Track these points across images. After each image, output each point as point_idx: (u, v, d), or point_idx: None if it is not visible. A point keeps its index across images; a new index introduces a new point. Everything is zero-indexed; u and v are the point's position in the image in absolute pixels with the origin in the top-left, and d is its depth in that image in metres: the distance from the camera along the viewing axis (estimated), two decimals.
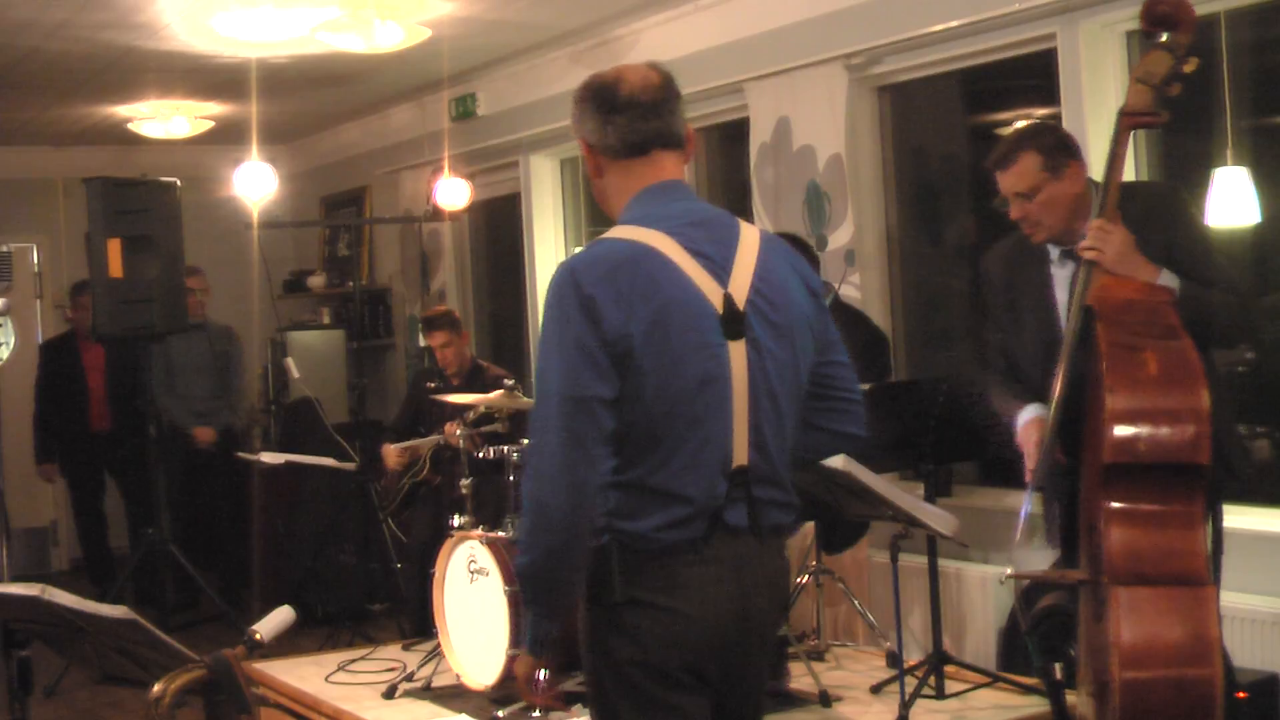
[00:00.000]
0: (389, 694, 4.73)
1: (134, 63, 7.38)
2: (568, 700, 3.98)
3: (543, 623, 2.45)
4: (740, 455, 2.45)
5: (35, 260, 10.25)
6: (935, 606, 4.37)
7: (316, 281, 9.92)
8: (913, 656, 4.67)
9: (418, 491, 6.28)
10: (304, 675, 5.07)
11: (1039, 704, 4.06)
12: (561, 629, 2.47)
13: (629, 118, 2.52)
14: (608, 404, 2.38)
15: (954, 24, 5.41)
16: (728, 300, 2.46)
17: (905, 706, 4.08)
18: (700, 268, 2.46)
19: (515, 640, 4.43)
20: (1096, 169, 3.60)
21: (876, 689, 4.41)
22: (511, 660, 4.41)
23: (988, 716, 4.15)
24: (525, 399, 4.91)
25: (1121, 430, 3.06)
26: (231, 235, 9.00)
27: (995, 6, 5.25)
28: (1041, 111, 5.66)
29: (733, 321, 2.45)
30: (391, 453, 6.26)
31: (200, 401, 8.01)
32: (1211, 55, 4.58)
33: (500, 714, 4.37)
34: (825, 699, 4.31)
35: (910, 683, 4.19)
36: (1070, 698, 3.44)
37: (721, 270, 2.48)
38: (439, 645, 4.81)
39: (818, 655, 4.83)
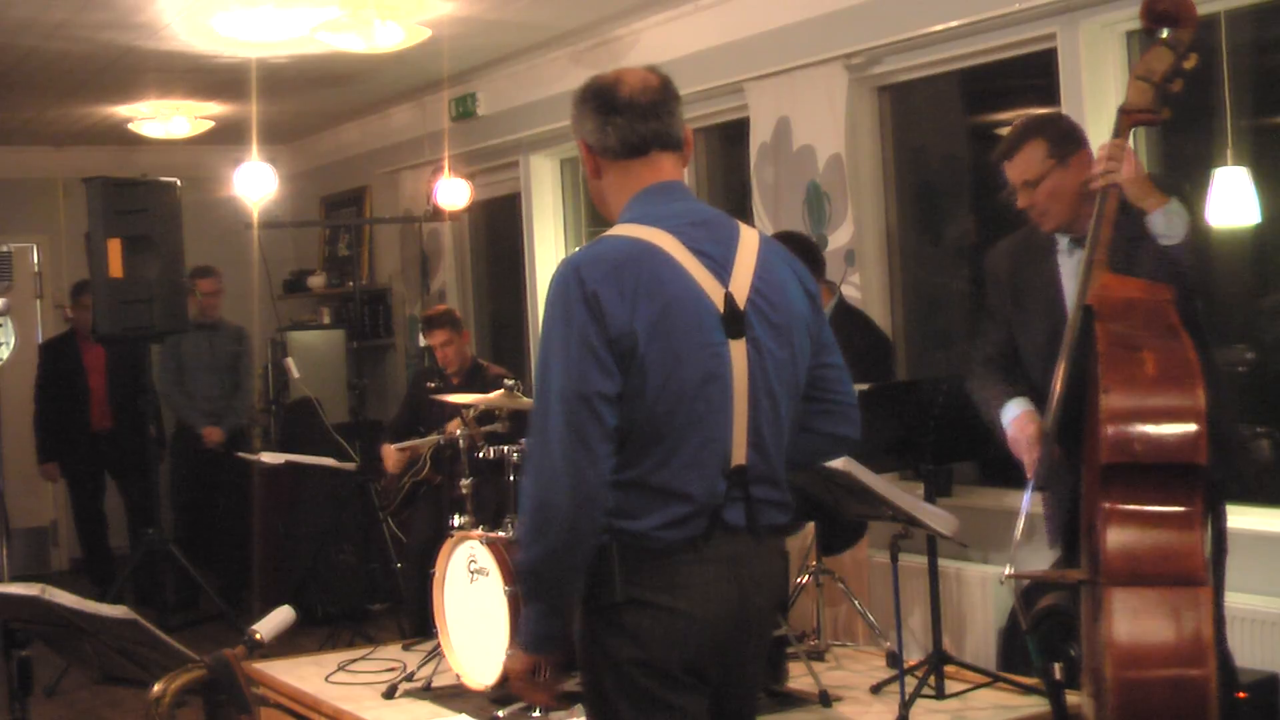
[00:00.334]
0: (389, 694, 4.72)
1: (134, 63, 7.38)
2: (568, 700, 3.98)
3: (545, 620, 2.45)
4: (739, 454, 2.46)
5: (35, 260, 10.26)
6: (935, 606, 4.36)
7: (316, 281, 9.92)
8: (913, 656, 4.66)
9: (418, 491, 6.27)
10: (304, 675, 5.06)
11: (1039, 704, 4.05)
12: (564, 626, 2.46)
13: (628, 118, 2.53)
14: (611, 401, 2.38)
15: (954, 24, 5.42)
16: (729, 299, 2.46)
17: (905, 706, 4.08)
18: (702, 266, 2.46)
19: (514, 639, 4.43)
20: None
21: (876, 689, 4.40)
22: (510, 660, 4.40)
23: (988, 716, 4.14)
24: (525, 399, 4.90)
25: (1118, 430, 3.06)
26: (231, 235, 8.98)
27: (995, 6, 5.26)
28: (1041, 112, 5.65)
29: (734, 320, 2.46)
30: (391, 452, 6.25)
31: (210, 401, 8.01)
32: (1211, 55, 4.57)
33: (500, 714, 4.37)
34: (825, 699, 4.30)
35: (910, 683, 4.18)
36: (1073, 698, 3.44)
37: (722, 269, 2.48)
38: (439, 645, 4.80)
39: (818, 655, 4.82)
